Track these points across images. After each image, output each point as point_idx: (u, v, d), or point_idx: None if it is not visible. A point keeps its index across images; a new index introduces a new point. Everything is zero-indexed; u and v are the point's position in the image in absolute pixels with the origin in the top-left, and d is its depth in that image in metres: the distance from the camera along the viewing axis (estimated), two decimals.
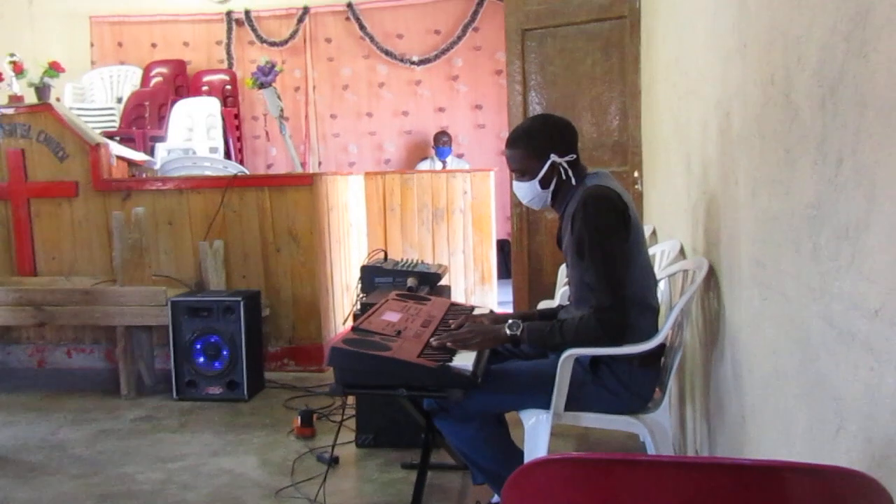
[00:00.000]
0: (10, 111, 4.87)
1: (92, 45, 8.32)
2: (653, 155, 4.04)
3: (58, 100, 5.92)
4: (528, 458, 2.25)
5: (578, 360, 2.24)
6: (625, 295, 2.20)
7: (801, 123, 1.47)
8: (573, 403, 2.26)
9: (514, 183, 2.46)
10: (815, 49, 1.39)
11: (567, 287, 2.62)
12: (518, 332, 2.30)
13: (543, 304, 3.38)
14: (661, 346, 2.34)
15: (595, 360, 2.27)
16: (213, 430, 3.72)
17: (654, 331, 2.29)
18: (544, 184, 2.38)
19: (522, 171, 2.40)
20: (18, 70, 5.58)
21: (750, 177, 1.87)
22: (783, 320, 1.61)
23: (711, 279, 2.32)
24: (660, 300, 2.51)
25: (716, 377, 2.28)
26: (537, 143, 2.37)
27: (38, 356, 5.00)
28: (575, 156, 2.38)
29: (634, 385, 2.29)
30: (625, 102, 4.47)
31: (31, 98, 5.44)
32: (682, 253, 2.91)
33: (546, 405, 2.25)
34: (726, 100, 2.13)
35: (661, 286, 2.75)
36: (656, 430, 2.30)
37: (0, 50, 6.22)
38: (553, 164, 2.35)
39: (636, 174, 4.39)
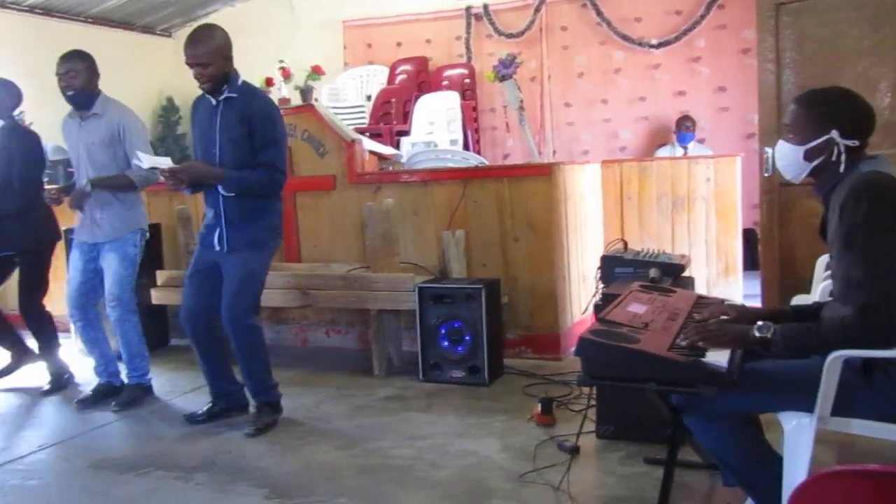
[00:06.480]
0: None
1: (345, 47, 8.97)
2: None
3: (316, 100, 6.47)
4: (789, 465, 2.11)
5: (848, 362, 2.06)
6: (894, 293, 1.98)
7: None
8: (840, 408, 2.08)
9: (780, 140, 2.30)
10: None
11: (828, 282, 2.42)
12: (768, 335, 2.13)
13: (798, 300, 3.15)
14: None
15: (868, 362, 2.07)
16: (456, 413, 3.88)
17: None
18: (809, 155, 2.22)
19: (794, 130, 2.25)
20: (286, 75, 6.18)
21: None
22: None
23: None
24: None
25: None
26: (825, 111, 2.21)
27: (301, 336, 5.51)
28: (859, 144, 2.19)
29: None
30: None
31: (295, 100, 6.00)
32: None
33: (806, 408, 2.09)
34: None
35: None
36: None
37: (267, 57, 6.92)
38: (829, 140, 2.18)
39: None
